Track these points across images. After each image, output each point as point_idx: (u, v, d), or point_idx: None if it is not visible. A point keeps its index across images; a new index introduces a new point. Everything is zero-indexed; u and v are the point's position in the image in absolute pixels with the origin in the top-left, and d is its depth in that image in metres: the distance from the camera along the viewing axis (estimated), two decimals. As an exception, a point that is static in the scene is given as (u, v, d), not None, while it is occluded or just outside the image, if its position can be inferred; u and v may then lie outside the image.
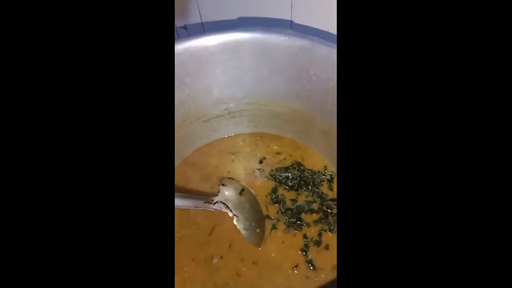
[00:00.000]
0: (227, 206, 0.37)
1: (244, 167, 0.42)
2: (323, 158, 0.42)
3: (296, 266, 0.35)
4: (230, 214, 0.37)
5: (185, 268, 0.34)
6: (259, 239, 0.36)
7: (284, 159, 0.42)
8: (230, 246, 0.36)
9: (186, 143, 0.42)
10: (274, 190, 0.40)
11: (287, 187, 0.40)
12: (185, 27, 0.57)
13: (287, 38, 0.33)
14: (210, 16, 0.53)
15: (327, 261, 0.35)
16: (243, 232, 0.36)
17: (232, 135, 0.44)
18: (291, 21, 0.45)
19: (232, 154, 0.43)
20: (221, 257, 0.35)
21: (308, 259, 0.35)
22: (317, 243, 0.36)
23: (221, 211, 0.37)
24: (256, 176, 0.41)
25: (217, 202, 0.37)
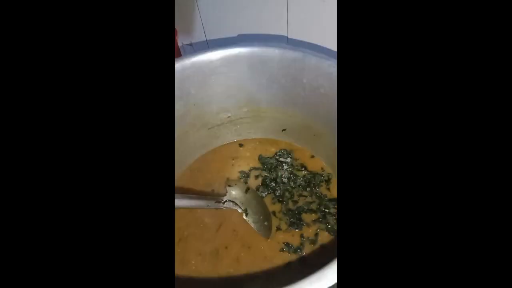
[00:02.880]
0: (236, 203, 0.41)
1: (244, 170, 0.45)
2: (319, 159, 0.45)
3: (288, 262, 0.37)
4: (239, 211, 0.41)
5: (192, 262, 0.37)
6: (268, 231, 0.39)
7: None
8: (233, 231, 0.40)
9: (192, 149, 0.45)
10: (274, 191, 0.43)
11: (289, 188, 0.43)
12: (191, 44, 0.62)
13: (281, 50, 0.37)
14: (214, 34, 0.58)
15: (319, 258, 0.37)
16: (253, 225, 0.40)
17: (233, 141, 0.48)
18: (287, 37, 0.49)
19: (233, 159, 0.46)
20: (226, 247, 0.38)
21: (301, 256, 0.37)
22: (313, 242, 0.39)
23: (231, 208, 0.41)
24: (256, 178, 0.44)
25: (226, 201, 0.41)
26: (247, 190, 0.42)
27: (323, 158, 0.44)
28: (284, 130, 0.45)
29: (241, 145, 0.48)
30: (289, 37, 0.49)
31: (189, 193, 0.42)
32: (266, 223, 0.40)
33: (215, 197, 0.41)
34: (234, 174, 0.45)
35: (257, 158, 0.46)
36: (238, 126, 0.46)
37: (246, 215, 0.41)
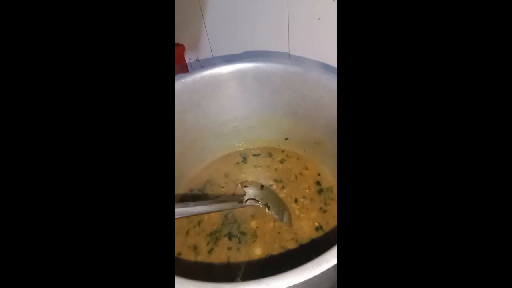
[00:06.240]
0: (257, 200, 0.44)
1: (251, 174, 0.48)
2: (321, 166, 0.48)
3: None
4: (261, 206, 0.43)
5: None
6: (289, 219, 0.42)
7: (286, 167, 0.48)
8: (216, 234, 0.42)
9: (201, 156, 0.48)
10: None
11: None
12: (198, 60, 0.66)
13: (283, 66, 0.41)
14: (220, 51, 0.62)
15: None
16: (276, 217, 0.42)
17: (240, 149, 0.51)
18: (289, 53, 0.53)
19: (239, 166, 0.49)
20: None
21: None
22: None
23: (253, 205, 0.44)
24: (260, 180, 0.47)
25: (248, 199, 0.44)
26: (262, 187, 0.45)
27: (323, 164, 0.47)
28: (287, 138, 0.49)
29: (247, 152, 0.51)
30: (290, 53, 0.53)
31: (200, 199, 0.45)
32: (286, 212, 0.42)
33: (236, 197, 0.44)
34: (243, 178, 0.47)
35: (263, 164, 0.49)
36: (244, 135, 0.49)
37: (268, 208, 0.43)
